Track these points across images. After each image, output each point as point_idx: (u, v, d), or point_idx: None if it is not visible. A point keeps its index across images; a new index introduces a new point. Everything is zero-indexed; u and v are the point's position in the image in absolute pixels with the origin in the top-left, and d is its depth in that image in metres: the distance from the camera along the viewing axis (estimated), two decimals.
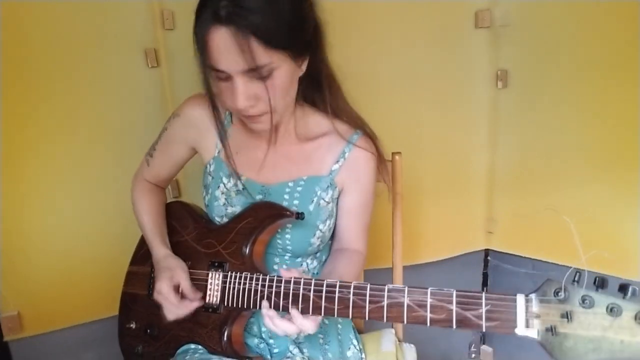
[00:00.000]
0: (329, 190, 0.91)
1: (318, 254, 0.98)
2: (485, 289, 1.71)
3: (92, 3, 1.18)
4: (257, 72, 0.74)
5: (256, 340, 0.95)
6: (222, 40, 0.72)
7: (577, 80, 1.33)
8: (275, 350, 0.95)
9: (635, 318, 0.55)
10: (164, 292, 0.87)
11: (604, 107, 1.30)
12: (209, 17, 0.72)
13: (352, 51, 1.36)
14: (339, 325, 1.01)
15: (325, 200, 0.91)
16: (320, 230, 0.91)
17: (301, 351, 0.94)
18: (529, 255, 1.54)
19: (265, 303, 0.79)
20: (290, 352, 0.94)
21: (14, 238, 1.23)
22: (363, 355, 1.01)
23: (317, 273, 0.98)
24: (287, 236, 0.91)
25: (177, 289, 0.88)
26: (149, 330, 0.98)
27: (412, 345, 1.09)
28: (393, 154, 1.06)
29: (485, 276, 1.70)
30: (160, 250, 0.95)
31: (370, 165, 0.93)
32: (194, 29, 0.75)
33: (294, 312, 0.76)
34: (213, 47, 0.73)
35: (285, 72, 0.78)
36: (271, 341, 0.95)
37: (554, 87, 1.38)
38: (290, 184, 0.90)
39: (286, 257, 0.93)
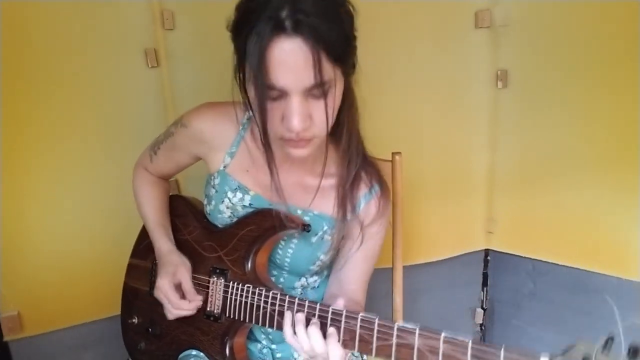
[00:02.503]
0: (335, 231, 0.86)
1: (317, 275, 0.95)
2: (485, 289, 1.71)
3: (92, 3, 1.18)
4: (317, 90, 0.67)
5: (259, 346, 0.94)
6: (288, 53, 0.64)
7: (577, 80, 1.33)
8: (279, 355, 0.94)
9: None
10: (164, 289, 0.85)
11: (604, 106, 1.30)
12: (268, 27, 0.63)
13: None
14: None
15: (329, 236, 0.87)
16: (321, 260, 0.88)
17: None
18: (529, 255, 1.54)
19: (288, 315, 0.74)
20: (295, 359, 0.94)
21: (14, 238, 1.23)
22: (364, 357, 1.01)
23: (317, 287, 0.95)
24: (287, 260, 0.87)
25: (178, 287, 0.86)
26: (150, 329, 0.97)
27: None
28: (393, 154, 1.05)
29: (485, 276, 1.70)
30: (163, 245, 0.92)
31: (382, 221, 0.88)
32: (244, 43, 0.66)
33: (332, 331, 0.69)
34: (274, 62, 0.64)
35: (339, 91, 0.72)
36: (274, 346, 0.94)
37: (554, 87, 1.38)
38: (299, 212, 0.86)
39: (284, 272, 0.91)
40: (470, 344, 0.58)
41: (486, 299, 1.72)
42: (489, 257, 1.67)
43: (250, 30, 0.65)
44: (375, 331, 0.65)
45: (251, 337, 0.94)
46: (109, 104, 1.26)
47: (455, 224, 1.59)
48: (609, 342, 0.52)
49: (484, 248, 1.65)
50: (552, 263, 1.47)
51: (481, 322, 1.74)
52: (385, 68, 1.42)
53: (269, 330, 0.93)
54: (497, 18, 1.43)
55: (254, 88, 0.68)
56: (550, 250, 1.47)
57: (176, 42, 1.27)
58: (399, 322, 0.64)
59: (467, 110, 1.51)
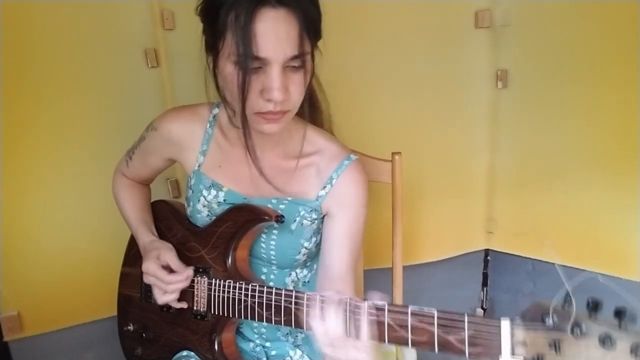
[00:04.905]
0: (312, 213, 0.86)
1: (308, 264, 0.95)
2: (485, 289, 1.71)
3: (92, 3, 1.18)
4: (296, 61, 0.71)
5: (252, 345, 0.94)
6: (272, 24, 0.67)
7: (577, 80, 1.33)
8: (273, 353, 0.94)
9: (632, 351, 0.48)
10: (151, 270, 0.85)
11: (604, 106, 1.30)
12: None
13: (352, 51, 1.36)
14: None
15: (308, 220, 0.87)
16: (306, 248, 0.88)
17: (302, 352, 0.94)
18: (529, 255, 1.54)
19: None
20: (291, 358, 0.94)
21: (14, 238, 1.23)
22: None
23: (308, 282, 0.95)
24: (272, 252, 0.88)
25: (166, 268, 0.86)
26: (144, 334, 0.98)
27: None
28: (393, 154, 1.06)
29: (485, 276, 1.70)
30: (146, 238, 0.94)
31: (359, 193, 0.86)
32: (224, 18, 0.68)
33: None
34: (258, 32, 0.67)
35: (310, 67, 0.75)
36: (268, 344, 0.94)
37: (554, 87, 1.38)
38: (274, 201, 0.86)
39: (273, 268, 0.91)
40: (436, 314, 0.61)
41: (486, 299, 1.72)
42: (489, 257, 1.67)
43: (231, 5, 0.67)
44: (348, 311, 0.67)
45: (244, 336, 0.95)
46: (109, 103, 1.26)
47: (455, 224, 1.59)
48: (568, 297, 0.52)
49: (484, 248, 1.65)
50: (552, 263, 1.47)
51: None
52: (386, 68, 1.42)
53: (262, 330, 0.93)
54: (497, 18, 1.43)
55: (235, 60, 0.69)
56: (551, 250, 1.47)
57: (176, 42, 1.27)
58: (370, 301, 0.65)
59: (467, 111, 1.51)
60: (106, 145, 1.26)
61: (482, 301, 1.73)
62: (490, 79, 1.48)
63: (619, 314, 0.49)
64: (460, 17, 1.43)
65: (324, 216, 0.89)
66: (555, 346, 0.52)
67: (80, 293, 1.31)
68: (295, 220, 0.86)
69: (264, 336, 0.94)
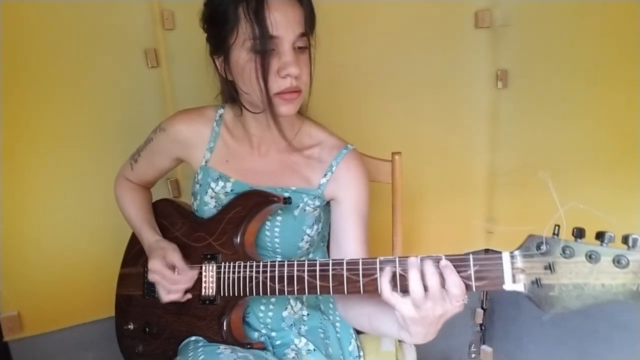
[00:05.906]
0: (315, 200, 0.91)
1: (310, 255, 0.98)
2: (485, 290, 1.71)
3: (92, 3, 1.18)
4: (301, 41, 0.79)
5: (257, 334, 0.95)
6: (279, 6, 0.77)
7: (577, 80, 1.33)
8: (278, 342, 0.96)
9: (614, 262, 0.58)
10: (157, 268, 0.87)
11: (604, 107, 1.30)
12: None
13: (352, 51, 1.36)
14: (337, 324, 1.01)
15: (311, 207, 0.91)
16: (308, 235, 0.92)
17: (307, 341, 0.95)
18: None
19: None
20: (295, 346, 0.94)
21: (14, 238, 1.23)
22: (361, 353, 1.02)
23: None
24: (276, 240, 0.91)
25: (170, 268, 0.89)
26: (147, 329, 0.98)
27: (412, 345, 1.09)
28: (393, 154, 1.06)
29: None
30: (151, 237, 0.96)
31: (359, 176, 0.92)
32: (233, 12, 0.77)
33: (446, 263, 0.66)
34: (270, 14, 0.76)
35: (312, 52, 0.83)
36: (273, 334, 0.96)
37: (553, 87, 1.38)
38: (278, 189, 0.91)
39: (278, 258, 0.93)
40: (443, 257, 0.67)
41: (486, 299, 1.72)
42: None
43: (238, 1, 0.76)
44: (361, 269, 0.71)
45: (250, 325, 0.96)
46: (109, 104, 1.26)
47: (455, 224, 1.59)
48: (556, 228, 0.61)
49: (484, 248, 1.65)
50: None
51: (481, 322, 1.74)
52: (386, 68, 1.42)
53: (268, 320, 0.95)
54: (497, 18, 1.43)
55: (251, 45, 0.77)
56: None
57: (176, 42, 1.27)
58: (380, 257, 0.71)
59: (467, 110, 1.51)
60: (106, 145, 1.26)
61: (482, 301, 1.73)
62: (490, 79, 1.48)
63: (600, 235, 0.60)
64: (460, 17, 1.43)
65: (327, 203, 0.94)
66: (550, 267, 0.61)
67: (80, 293, 1.31)
68: (298, 207, 0.91)
69: (269, 326, 0.96)
